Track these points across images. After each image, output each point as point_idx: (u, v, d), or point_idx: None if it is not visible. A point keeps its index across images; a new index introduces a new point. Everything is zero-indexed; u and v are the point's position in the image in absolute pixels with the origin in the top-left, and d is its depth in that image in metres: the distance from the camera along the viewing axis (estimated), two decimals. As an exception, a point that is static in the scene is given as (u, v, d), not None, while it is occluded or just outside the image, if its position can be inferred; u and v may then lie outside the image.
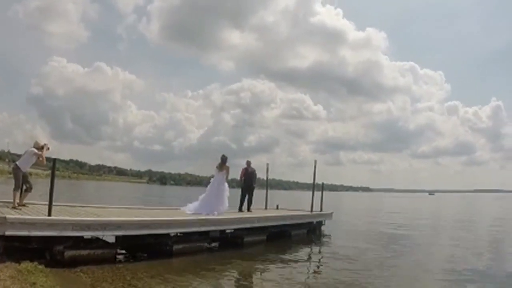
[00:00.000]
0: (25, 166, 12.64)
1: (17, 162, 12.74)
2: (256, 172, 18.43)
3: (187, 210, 15.54)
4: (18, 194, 12.38)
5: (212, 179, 16.54)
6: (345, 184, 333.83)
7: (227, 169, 16.40)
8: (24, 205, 12.45)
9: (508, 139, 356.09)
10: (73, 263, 9.61)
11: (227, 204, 16.08)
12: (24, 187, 12.63)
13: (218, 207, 15.49)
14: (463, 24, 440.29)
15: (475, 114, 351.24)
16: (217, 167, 16.47)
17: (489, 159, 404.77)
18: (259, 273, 11.51)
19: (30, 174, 13.28)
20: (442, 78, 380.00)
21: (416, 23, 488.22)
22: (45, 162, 13.08)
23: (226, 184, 16.39)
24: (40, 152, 12.65)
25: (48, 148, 12.99)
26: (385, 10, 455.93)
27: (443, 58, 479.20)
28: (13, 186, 12.33)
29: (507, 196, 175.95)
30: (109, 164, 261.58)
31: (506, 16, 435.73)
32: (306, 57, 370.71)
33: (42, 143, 12.90)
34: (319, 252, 16.04)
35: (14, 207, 11.87)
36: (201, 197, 16.13)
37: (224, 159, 16.52)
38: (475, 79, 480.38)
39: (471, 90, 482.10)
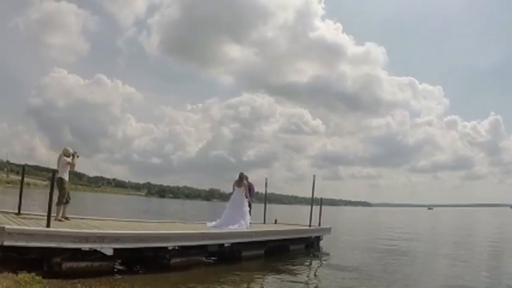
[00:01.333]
0: (66, 176, 13.12)
1: (61, 175, 12.95)
2: (254, 186, 18.55)
3: (211, 226, 16.44)
4: (63, 207, 12.94)
5: (232, 196, 17.35)
6: (344, 199, 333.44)
7: (245, 185, 17.19)
8: (67, 219, 12.90)
9: (507, 153, 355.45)
10: (71, 275, 9.58)
11: (249, 218, 17.02)
12: (64, 200, 12.98)
13: (240, 221, 16.37)
14: (460, 40, 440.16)
15: (474, 128, 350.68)
16: (235, 184, 17.26)
17: (488, 173, 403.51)
18: (255, 286, 11.51)
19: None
20: (441, 92, 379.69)
21: (415, 38, 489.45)
22: (74, 168, 13.67)
23: (245, 200, 17.10)
24: (71, 161, 13.18)
25: (78, 156, 13.59)
26: (384, 25, 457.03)
27: (442, 73, 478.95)
28: (57, 200, 12.54)
29: (506, 210, 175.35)
30: (107, 176, 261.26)
31: (502, 32, 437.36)
32: (305, 72, 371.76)
33: (71, 151, 13.35)
34: (317, 266, 16.01)
35: (59, 220, 12.36)
36: (224, 213, 17.09)
37: (241, 176, 17.30)
38: (473, 94, 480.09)
39: (469, 105, 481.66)
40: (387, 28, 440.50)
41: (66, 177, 13.18)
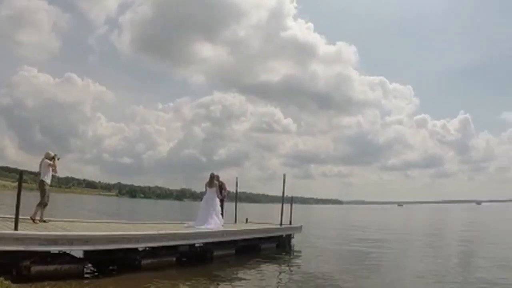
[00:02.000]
0: (47, 179, 13.37)
1: (42, 178, 13.27)
2: (225, 185, 18.65)
3: (187, 226, 16.69)
4: (42, 209, 13.06)
5: (204, 196, 17.53)
6: (315, 197, 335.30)
7: (217, 185, 17.54)
8: (45, 221, 13.00)
9: (476, 151, 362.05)
10: (40, 278, 9.50)
11: (221, 218, 17.42)
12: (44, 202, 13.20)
13: (211, 220, 16.55)
14: (430, 41, 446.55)
15: (444, 127, 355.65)
16: (206, 184, 17.44)
17: (458, 170, 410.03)
18: (227, 287, 11.53)
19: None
20: (411, 92, 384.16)
21: (385, 38, 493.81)
22: (57, 171, 13.88)
23: (218, 200, 17.40)
24: (53, 162, 13.46)
25: (59, 158, 13.89)
26: (355, 25, 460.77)
27: (412, 73, 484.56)
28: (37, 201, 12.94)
29: (474, 207, 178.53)
30: (78, 176, 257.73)
31: (473, 35, 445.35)
32: (277, 71, 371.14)
33: (52, 154, 13.67)
34: (288, 265, 16.08)
35: (35, 222, 12.49)
36: (198, 213, 17.33)
37: (212, 176, 17.51)
38: (443, 93, 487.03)
39: (439, 104, 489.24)
40: (359, 27, 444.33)
41: (47, 179, 13.40)
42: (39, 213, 13.06)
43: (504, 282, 12.75)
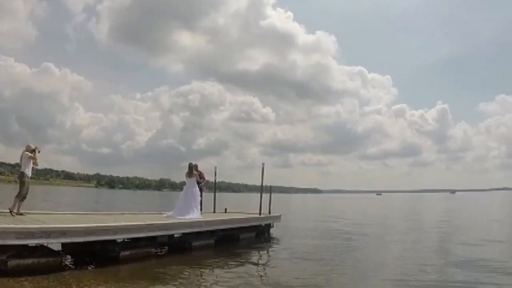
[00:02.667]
0: (28, 171, 13.23)
1: (23, 170, 13.12)
2: (204, 174, 18.65)
3: (166, 215, 16.81)
4: (19, 202, 12.97)
5: (184, 186, 17.60)
6: (294, 186, 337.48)
7: (196, 175, 17.68)
8: (21, 214, 12.87)
9: (453, 141, 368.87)
10: (18, 272, 9.43)
11: (199, 208, 17.57)
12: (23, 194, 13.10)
13: (191, 211, 16.73)
14: (410, 33, 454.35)
15: (421, 117, 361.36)
16: (186, 174, 17.58)
17: (435, 160, 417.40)
18: (207, 277, 11.51)
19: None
20: (390, 82, 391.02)
21: (365, 29, 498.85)
22: (37, 164, 13.78)
23: (197, 189, 17.53)
24: (33, 155, 13.42)
25: (39, 151, 13.79)
26: (335, 14, 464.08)
27: (391, 63, 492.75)
28: (16, 193, 13.01)
29: (449, 196, 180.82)
30: (56, 167, 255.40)
31: (451, 28, 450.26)
32: (256, 60, 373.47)
33: (33, 146, 13.55)
34: (267, 254, 16.11)
35: (13, 215, 12.48)
36: (177, 203, 17.43)
37: (191, 166, 17.60)
38: (421, 84, 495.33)
39: (417, 94, 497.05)
40: (339, 17, 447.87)
41: (28, 172, 13.27)
42: (17, 205, 13.01)
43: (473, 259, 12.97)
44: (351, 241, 19.24)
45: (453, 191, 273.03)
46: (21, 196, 13.01)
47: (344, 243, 18.57)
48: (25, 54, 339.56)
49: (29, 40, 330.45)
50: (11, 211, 12.70)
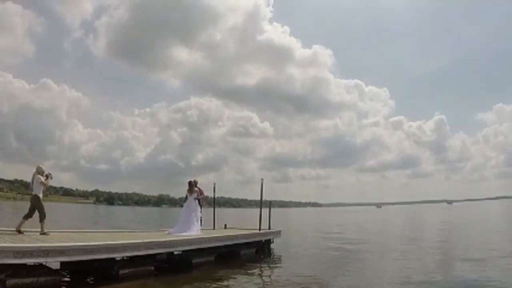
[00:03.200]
0: (41, 194, 13.53)
1: (36, 192, 13.44)
2: (203, 190, 18.67)
3: (168, 232, 17.09)
4: (24, 220, 13.23)
5: (185, 203, 17.80)
6: (294, 200, 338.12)
7: (197, 191, 17.89)
8: (45, 233, 13.20)
9: (452, 151, 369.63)
10: (16, 292, 9.35)
11: (199, 224, 17.68)
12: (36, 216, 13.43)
13: (192, 227, 16.90)
14: (405, 44, 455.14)
15: (419, 128, 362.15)
16: (187, 191, 17.77)
17: (434, 171, 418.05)
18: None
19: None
20: (387, 94, 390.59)
21: (361, 42, 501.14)
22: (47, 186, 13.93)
23: (198, 206, 17.77)
24: (46, 182, 13.61)
25: (52, 178, 14.00)
26: (331, 28, 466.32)
27: (387, 75, 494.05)
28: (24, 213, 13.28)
29: (446, 206, 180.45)
30: (55, 184, 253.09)
31: (446, 38, 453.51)
32: (254, 74, 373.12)
33: (44, 169, 13.77)
34: (268, 270, 16.03)
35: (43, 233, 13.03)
36: (179, 220, 17.68)
37: (191, 183, 17.81)
38: (418, 95, 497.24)
39: (415, 106, 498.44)
40: (334, 31, 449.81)
41: (40, 194, 13.48)
42: (41, 226, 13.39)
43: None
44: (351, 257, 19.06)
45: (450, 202, 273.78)
46: (43, 219, 13.40)
47: (344, 259, 18.39)
48: (24, 70, 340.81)
49: (27, 56, 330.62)
50: (43, 232, 13.20)
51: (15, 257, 9.52)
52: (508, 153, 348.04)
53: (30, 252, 9.82)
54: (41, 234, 12.90)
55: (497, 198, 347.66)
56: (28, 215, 13.25)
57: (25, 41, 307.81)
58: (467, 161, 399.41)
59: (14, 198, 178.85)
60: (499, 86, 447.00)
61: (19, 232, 12.92)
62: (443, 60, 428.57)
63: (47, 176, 13.71)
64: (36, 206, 13.34)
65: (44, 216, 13.37)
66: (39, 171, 13.53)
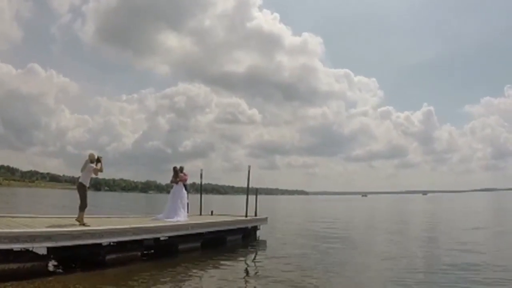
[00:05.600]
0: (87, 183, 13.30)
1: (83, 181, 13.19)
2: (187, 176, 18.66)
3: (154, 218, 17.14)
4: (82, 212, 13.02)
5: (172, 190, 17.84)
6: (281, 188, 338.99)
7: (182, 177, 17.87)
8: (83, 224, 12.72)
9: (439, 142, 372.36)
10: (2, 277, 9.37)
11: (186, 210, 17.73)
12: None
13: (178, 213, 16.94)
14: (395, 36, 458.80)
15: (407, 118, 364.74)
16: (172, 177, 17.75)
17: (421, 161, 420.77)
18: (193, 280, 11.51)
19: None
20: (376, 84, 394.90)
21: (350, 32, 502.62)
22: (102, 171, 13.76)
23: (184, 192, 17.74)
24: (97, 167, 13.43)
25: (102, 157, 13.72)
26: (321, 16, 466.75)
27: (376, 66, 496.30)
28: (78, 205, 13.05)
29: (437, 196, 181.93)
30: (41, 170, 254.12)
31: (435, 31, 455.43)
32: (243, 61, 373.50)
33: (96, 155, 13.52)
34: (254, 256, 16.16)
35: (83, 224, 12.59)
36: (166, 206, 17.63)
37: (175, 170, 17.84)
38: (407, 86, 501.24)
39: (403, 96, 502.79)
40: (325, 19, 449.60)
41: (87, 183, 13.30)
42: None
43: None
44: (336, 243, 19.27)
45: (425, 193, 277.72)
46: (84, 208, 13.08)
47: (329, 245, 18.58)
48: (11, 55, 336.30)
49: (15, 41, 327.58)
50: (81, 223, 12.76)
51: (1, 243, 9.51)
52: (495, 145, 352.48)
53: (16, 238, 9.81)
54: (80, 224, 12.72)
55: (485, 190, 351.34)
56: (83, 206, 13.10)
57: (13, 25, 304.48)
58: (454, 153, 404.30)
59: (0, 184, 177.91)
60: (487, 80, 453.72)
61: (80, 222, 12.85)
62: (432, 52, 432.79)
63: (98, 160, 13.52)
64: (80, 194, 13.19)
65: (85, 206, 13.10)
66: (91, 159, 13.36)
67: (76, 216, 13.06)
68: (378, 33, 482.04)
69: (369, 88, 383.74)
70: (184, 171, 18.25)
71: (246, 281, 11.63)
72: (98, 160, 13.53)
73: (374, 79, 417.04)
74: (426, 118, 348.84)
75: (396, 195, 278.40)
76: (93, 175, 13.44)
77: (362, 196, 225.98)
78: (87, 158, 13.40)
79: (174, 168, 17.89)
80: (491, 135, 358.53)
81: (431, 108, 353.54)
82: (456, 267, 13.11)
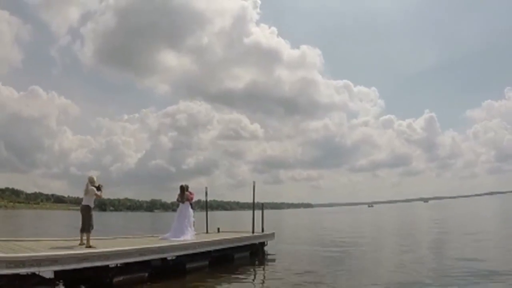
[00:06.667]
0: (92, 204, 13.77)
1: (88, 203, 13.64)
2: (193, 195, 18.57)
3: (161, 238, 17.02)
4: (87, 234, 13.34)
5: (178, 208, 17.71)
6: (286, 202, 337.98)
7: (187, 196, 17.68)
8: (91, 246, 12.89)
9: (442, 148, 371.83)
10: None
11: (193, 228, 17.55)
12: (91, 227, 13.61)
13: (185, 232, 16.84)
14: (393, 43, 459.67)
15: (410, 126, 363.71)
16: (178, 196, 17.64)
17: (425, 168, 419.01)
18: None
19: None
20: (376, 94, 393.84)
21: (348, 41, 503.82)
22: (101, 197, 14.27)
23: (191, 210, 17.65)
24: (99, 193, 13.88)
25: (102, 188, 14.19)
26: (319, 28, 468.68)
27: (376, 75, 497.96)
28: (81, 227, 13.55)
29: (443, 202, 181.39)
30: (46, 191, 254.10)
31: (434, 37, 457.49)
32: (242, 77, 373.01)
33: (95, 180, 13.94)
34: (263, 273, 16.01)
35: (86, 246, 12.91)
36: (172, 225, 17.52)
37: (182, 189, 17.67)
38: (407, 94, 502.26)
39: (404, 104, 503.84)
40: (322, 30, 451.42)
41: (92, 204, 13.79)
42: (84, 238, 13.43)
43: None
44: (346, 257, 19.07)
45: (426, 200, 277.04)
46: (89, 230, 13.37)
47: (338, 259, 18.39)
48: (12, 78, 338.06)
49: (15, 64, 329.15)
50: (87, 245, 13.00)
51: (7, 267, 9.44)
52: (498, 148, 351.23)
53: (22, 262, 9.75)
54: (86, 246, 12.89)
55: (491, 193, 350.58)
56: (87, 228, 13.41)
57: (13, 48, 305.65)
58: (458, 158, 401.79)
59: (5, 206, 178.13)
60: (486, 84, 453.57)
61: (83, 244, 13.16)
62: (431, 59, 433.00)
63: (98, 187, 13.88)
64: (85, 216, 13.51)
65: (91, 227, 13.47)
66: (92, 181, 13.69)
67: (79, 240, 13.40)
68: (375, 41, 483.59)
69: (369, 98, 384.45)
70: (190, 189, 18.15)
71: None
72: (99, 188, 13.89)
73: (374, 88, 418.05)
74: (428, 125, 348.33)
75: (402, 204, 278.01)
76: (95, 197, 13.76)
77: (369, 206, 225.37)
78: (87, 181, 13.70)
79: (181, 187, 17.75)
80: (494, 138, 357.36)
81: (433, 114, 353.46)
82: (470, 275, 12.94)
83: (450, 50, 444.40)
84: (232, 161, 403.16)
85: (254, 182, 20.32)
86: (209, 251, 16.14)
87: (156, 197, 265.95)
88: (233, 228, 24.90)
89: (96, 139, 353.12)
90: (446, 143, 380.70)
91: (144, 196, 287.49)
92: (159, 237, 17.24)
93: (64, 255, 10.80)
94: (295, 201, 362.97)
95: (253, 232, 20.27)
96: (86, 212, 13.45)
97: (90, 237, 13.29)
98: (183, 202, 17.45)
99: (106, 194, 14.19)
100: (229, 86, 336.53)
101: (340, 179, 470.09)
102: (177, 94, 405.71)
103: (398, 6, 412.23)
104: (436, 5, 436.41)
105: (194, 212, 18.06)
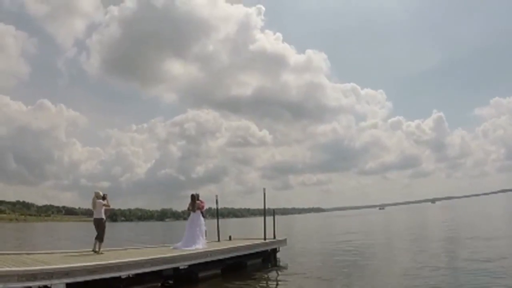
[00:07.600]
0: (103, 216, 15.26)
1: (99, 216, 15.23)
2: (204, 203, 18.47)
3: (173, 247, 17.22)
4: (99, 243, 15.06)
5: (189, 217, 17.85)
6: (297, 207, 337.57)
7: (198, 205, 17.69)
8: (101, 253, 14.55)
9: (452, 148, 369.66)
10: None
11: (205, 237, 17.60)
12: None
13: (197, 241, 16.92)
14: (398, 44, 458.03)
15: (418, 127, 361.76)
16: (189, 205, 17.70)
17: (435, 169, 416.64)
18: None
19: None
20: (383, 96, 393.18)
21: (353, 45, 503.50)
22: (110, 206, 15.92)
23: (202, 219, 17.63)
24: (105, 202, 15.43)
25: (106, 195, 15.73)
26: (323, 31, 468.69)
27: (382, 77, 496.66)
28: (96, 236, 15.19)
29: (454, 202, 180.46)
30: (56, 203, 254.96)
31: (439, 36, 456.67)
32: (249, 84, 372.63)
33: (101, 193, 15.55)
34: (276, 280, 15.82)
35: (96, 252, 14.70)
36: (185, 234, 17.62)
37: (193, 198, 17.70)
38: (415, 94, 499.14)
39: (412, 105, 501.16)
40: (326, 33, 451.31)
41: (104, 217, 15.32)
42: (97, 246, 15.07)
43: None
44: (358, 262, 18.87)
45: (433, 201, 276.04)
46: (102, 239, 15.13)
47: (351, 264, 18.21)
48: (20, 91, 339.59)
49: (23, 77, 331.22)
50: (95, 251, 14.82)
51: (19, 281, 9.38)
52: (508, 146, 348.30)
53: (33, 276, 9.69)
54: (97, 252, 14.65)
55: (502, 191, 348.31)
56: (101, 237, 15.15)
57: (20, 62, 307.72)
58: (468, 157, 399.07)
59: (16, 219, 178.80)
60: (493, 81, 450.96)
61: (96, 252, 14.73)
62: (437, 58, 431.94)
63: (104, 198, 15.24)
64: (98, 227, 15.10)
65: (102, 239, 15.15)
66: (98, 196, 15.03)
67: (92, 247, 14.77)
68: (381, 43, 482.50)
69: (377, 100, 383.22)
70: (200, 198, 18.07)
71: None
72: (104, 198, 15.25)
73: (381, 90, 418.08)
74: (437, 125, 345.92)
75: (413, 205, 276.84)
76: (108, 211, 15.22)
77: (380, 208, 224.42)
78: (93, 196, 15.19)
79: (192, 196, 17.69)
80: (503, 135, 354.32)
81: (441, 114, 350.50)
82: (484, 279, 12.76)
83: (455, 48, 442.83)
84: (241, 168, 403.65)
85: (264, 189, 20.28)
86: (221, 259, 16.05)
87: (167, 206, 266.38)
88: (244, 235, 24.77)
89: (105, 150, 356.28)
90: (456, 142, 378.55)
91: (155, 205, 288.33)
92: (171, 247, 17.19)
93: (76, 267, 10.74)
94: (306, 206, 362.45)
95: (265, 238, 20.13)
96: (98, 225, 14.85)
97: (102, 247, 14.71)
98: (194, 211, 17.38)
99: (116, 205, 14.47)
100: (236, 92, 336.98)
101: (350, 183, 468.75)
102: (184, 102, 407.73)
103: (400, 7, 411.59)
104: (440, 4, 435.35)
105: (205, 220, 18.01)
